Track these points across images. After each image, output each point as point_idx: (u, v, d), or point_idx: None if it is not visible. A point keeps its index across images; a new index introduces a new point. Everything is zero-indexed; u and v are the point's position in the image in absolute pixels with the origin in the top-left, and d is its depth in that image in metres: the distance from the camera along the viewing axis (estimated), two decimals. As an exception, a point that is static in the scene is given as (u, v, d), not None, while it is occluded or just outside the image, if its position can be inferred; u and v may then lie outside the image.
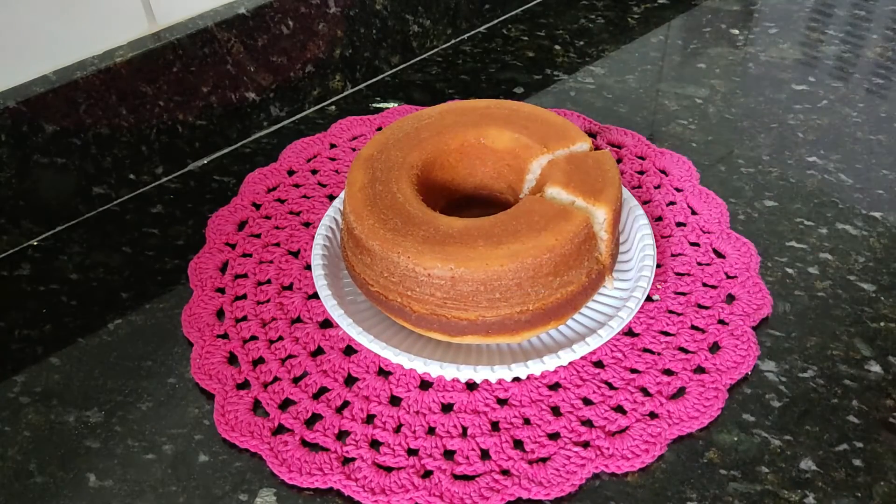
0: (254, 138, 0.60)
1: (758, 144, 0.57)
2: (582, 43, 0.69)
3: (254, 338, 0.45)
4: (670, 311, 0.45)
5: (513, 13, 0.73)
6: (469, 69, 0.67)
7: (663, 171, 0.54)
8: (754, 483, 0.38)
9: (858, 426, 0.40)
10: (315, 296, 0.47)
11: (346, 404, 0.41)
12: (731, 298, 0.46)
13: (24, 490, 0.39)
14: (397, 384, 0.42)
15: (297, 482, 0.38)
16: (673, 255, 0.48)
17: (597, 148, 0.57)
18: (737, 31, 0.70)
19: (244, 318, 0.46)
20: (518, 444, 0.39)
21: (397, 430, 0.40)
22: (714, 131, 0.59)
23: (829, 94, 0.61)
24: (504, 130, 0.47)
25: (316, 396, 0.42)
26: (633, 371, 0.42)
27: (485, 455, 0.39)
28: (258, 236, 0.51)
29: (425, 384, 0.42)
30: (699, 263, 0.48)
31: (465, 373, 0.41)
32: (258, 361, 0.44)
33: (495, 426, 0.40)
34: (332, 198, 0.54)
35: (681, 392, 0.41)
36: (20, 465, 0.40)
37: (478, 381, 0.42)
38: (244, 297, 0.47)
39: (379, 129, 0.60)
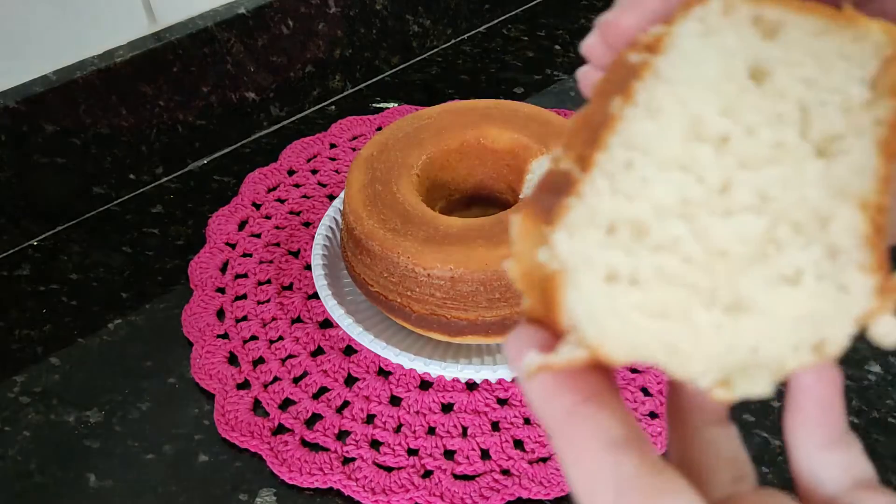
0: (254, 138, 0.60)
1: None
2: (582, 43, 0.69)
3: (254, 338, 0.45)
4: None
5: (513, 13, 0.73)
6: (469, 69, 0.67)
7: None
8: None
9: (858, 426, 0.39)
10: (315, 295, 0.47)
11: (346, 404, 0.41)
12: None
13: (25, 490, 0.39)
14: (397, 384, 0.42)
15: (297, 482, 0.38)
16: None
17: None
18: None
19: (244, 318, 0.46)
20: (518, 444, 0.39)
21: (397, 429, 0.40)
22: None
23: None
24: (504, 130, 0.47)
25: (316, 396, 0.42)
26: (634, 371, 0.42)
27: (485, 455, 0.39)
28: (258, 236, 0.51)
29: (425, 384, 0.42)
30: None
31: (466, 373, 0.41)
32: (258, 361, 0.44)
33: (496, 426, 0.40)
34: (332, 198, 0.54)
35: (681, 392, 0.41)
36: (20, 465, 0.40)
37: (478, 381, 0.42)
38: (244, 296, 0.47)
39: (379, 129, 0.60)
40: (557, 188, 0.16)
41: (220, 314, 0.46)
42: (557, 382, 0.16)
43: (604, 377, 0.16)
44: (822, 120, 0.15)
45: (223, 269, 0.49)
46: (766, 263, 0.15)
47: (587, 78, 0.19)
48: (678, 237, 0.15)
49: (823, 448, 0.18)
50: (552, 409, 0.16)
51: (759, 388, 0.15)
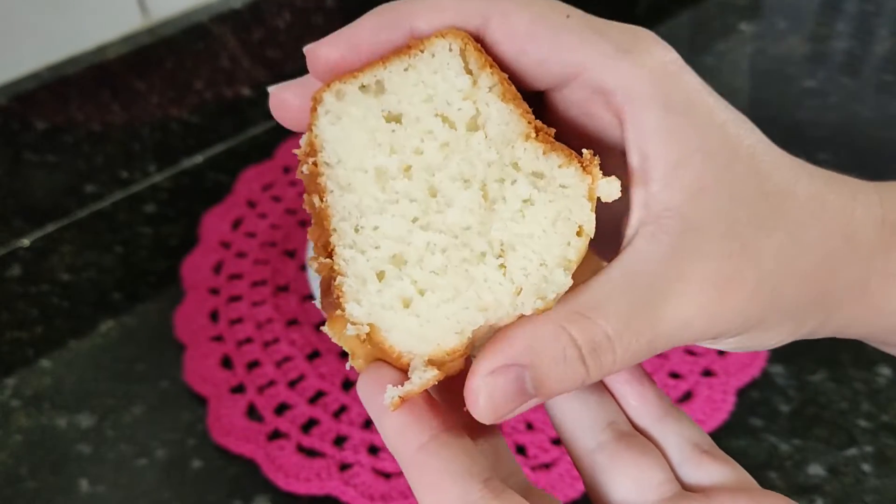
0: (249, 135, 0.59)
1: (764, 140, 0.56)
2: (584, 37, 0.68)
3: (248, 340, 0.44)
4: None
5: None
6: (469, 64, 0.66)
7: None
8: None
9: (868, 430, 0.39)
10: (311, 297, 0.46)
11: (343, 408, 0.41)
12: (737, 299, 0.45)
13: (15, 495, 0.38)
14: (396, 388, 0.41)
15: (293, 488, 0.38)
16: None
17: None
18: (744, 26, 0.69)
19: (239, 320, 0.45)
20: (521, 450, 0.38)
21: (396, 435, 0.39)
22: (719, 127, 0.58)
23: (839, 90, 0.60)
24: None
25: (312, 400, 0.41)
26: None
27: (485, 461, 0.38)
28: (253, 235, 0.50)
29: (424, 388, 0.41)
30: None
31: (466, 376, 0.40)
32: (253, 364, 0.43)
33: (496, 431, 0.39)
34: (329, 196, 0.53)
35: (688, 396, 0.40)
36: (11, 469, 0.39)
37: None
38: (239, 298, 0.46)
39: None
40: (329, 283, 0.20)
41: (214, 316, 0.46)
42: (409, 421, 0.18)
43: (447, 417, 0.19)
44: (458, 112, 0.20)
45: (217, 270, 0.48)
46: (502, 212, 0.19)
47: (281, 105, 0.21)
48: (429, 241, 0.19)
49: (657, 421, 0.21)
50: (405, 445, 0.18)
51: (561, 284, 0.19)
